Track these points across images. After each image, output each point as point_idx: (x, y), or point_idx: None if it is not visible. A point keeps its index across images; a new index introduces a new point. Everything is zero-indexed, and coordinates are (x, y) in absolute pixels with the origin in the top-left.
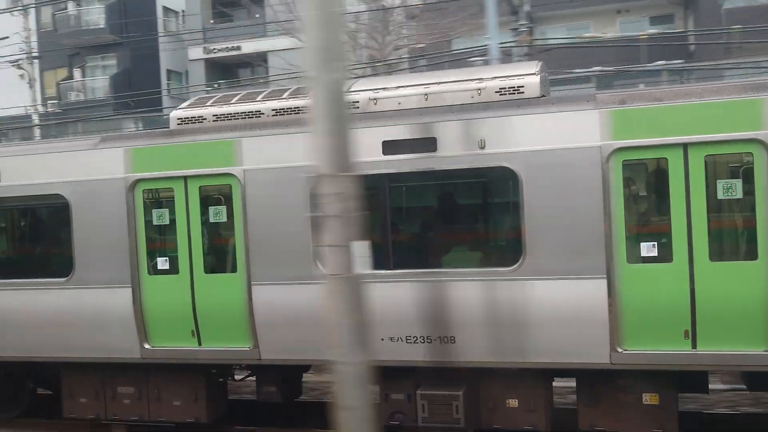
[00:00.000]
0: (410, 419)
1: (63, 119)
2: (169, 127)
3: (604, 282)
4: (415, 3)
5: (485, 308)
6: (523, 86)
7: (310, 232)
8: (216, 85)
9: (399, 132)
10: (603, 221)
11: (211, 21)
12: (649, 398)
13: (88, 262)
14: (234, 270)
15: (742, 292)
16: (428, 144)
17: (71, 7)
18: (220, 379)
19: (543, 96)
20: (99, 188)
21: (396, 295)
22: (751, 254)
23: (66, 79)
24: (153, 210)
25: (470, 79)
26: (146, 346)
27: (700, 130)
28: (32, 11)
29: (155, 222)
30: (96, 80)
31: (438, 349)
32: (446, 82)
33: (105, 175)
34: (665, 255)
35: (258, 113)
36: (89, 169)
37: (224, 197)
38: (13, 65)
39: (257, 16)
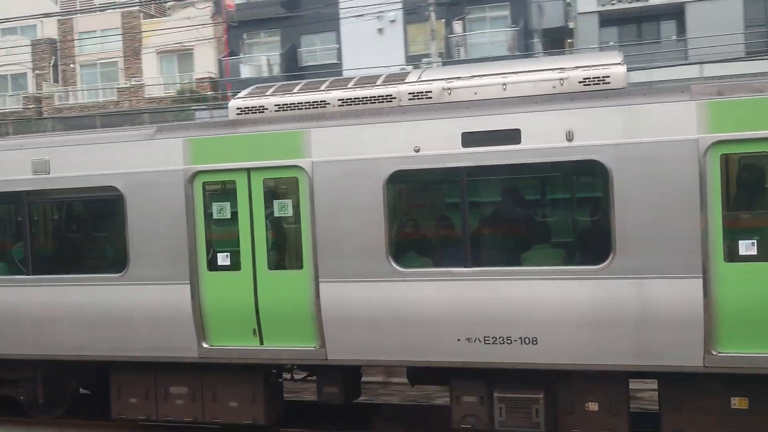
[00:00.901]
0: (482, 422)
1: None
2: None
3: (700, 281)
4: None
5: (571, 308)
6: (608, 76)
7: (384, 227)
8: (612, 43)
9: (480, 123)
10: (699, 218)
11: None
12: (738, 402)
13: (144, 257)
14: (300, 266)
15: None
16: (512, 136)
17: None
18: (279, 380)
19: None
20: (156, 180)
21: (474, 294)
22: None
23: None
24: (213, 203)
25: (551, 69)
26: (204, 345)
27: None
28: None
29: (215, 216)
30: (483, 34)
31: (518, 350)
32: (525, 72)
33: (162, 166)
34: (765, 253)
35: (323, 103)
36: (145, 160)
37: (290, 190)
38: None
39: None
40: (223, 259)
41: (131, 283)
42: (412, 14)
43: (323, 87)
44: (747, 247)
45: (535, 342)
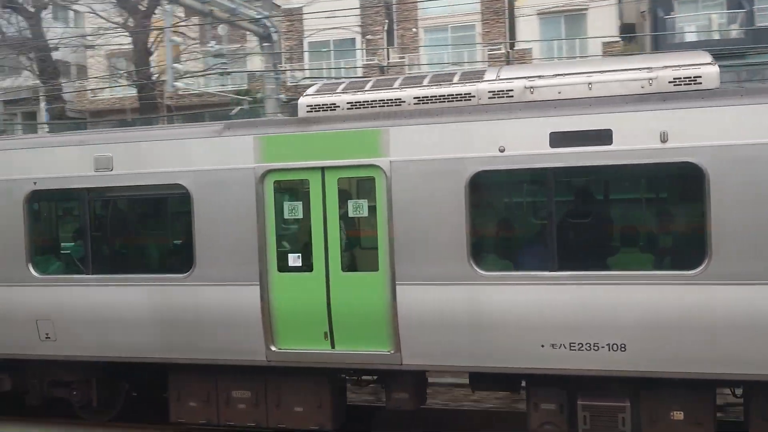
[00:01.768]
0: (561, 430)
1: None
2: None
3: None
4: None
5: (663, 314)
6: (700, 76)
7: (465, 228)
8: None
9: (569, 123)
10: None
11: None
12: None
13: (211, 257)
14: (375, 268)
15: None
16: (603, 136)
17: None
18: (348, 384)
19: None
20: (224, 178)
21: (560, 298)
22: None
23: None
24: (285, 202)
25: (639, 68)
26: (273, 348)
27: None
28: None
29: (287, 215)
30: None
31: (605, 357)
32: (612, 71)
33: (231, 164)
34: None
35: (398, 101)
36: (214, 158)
37: (366, 189)
38: None
39: None
40: (294, 260)
41: (197, 283)
42: None
43: (396, 84)
44: None
45: (623, 349)
